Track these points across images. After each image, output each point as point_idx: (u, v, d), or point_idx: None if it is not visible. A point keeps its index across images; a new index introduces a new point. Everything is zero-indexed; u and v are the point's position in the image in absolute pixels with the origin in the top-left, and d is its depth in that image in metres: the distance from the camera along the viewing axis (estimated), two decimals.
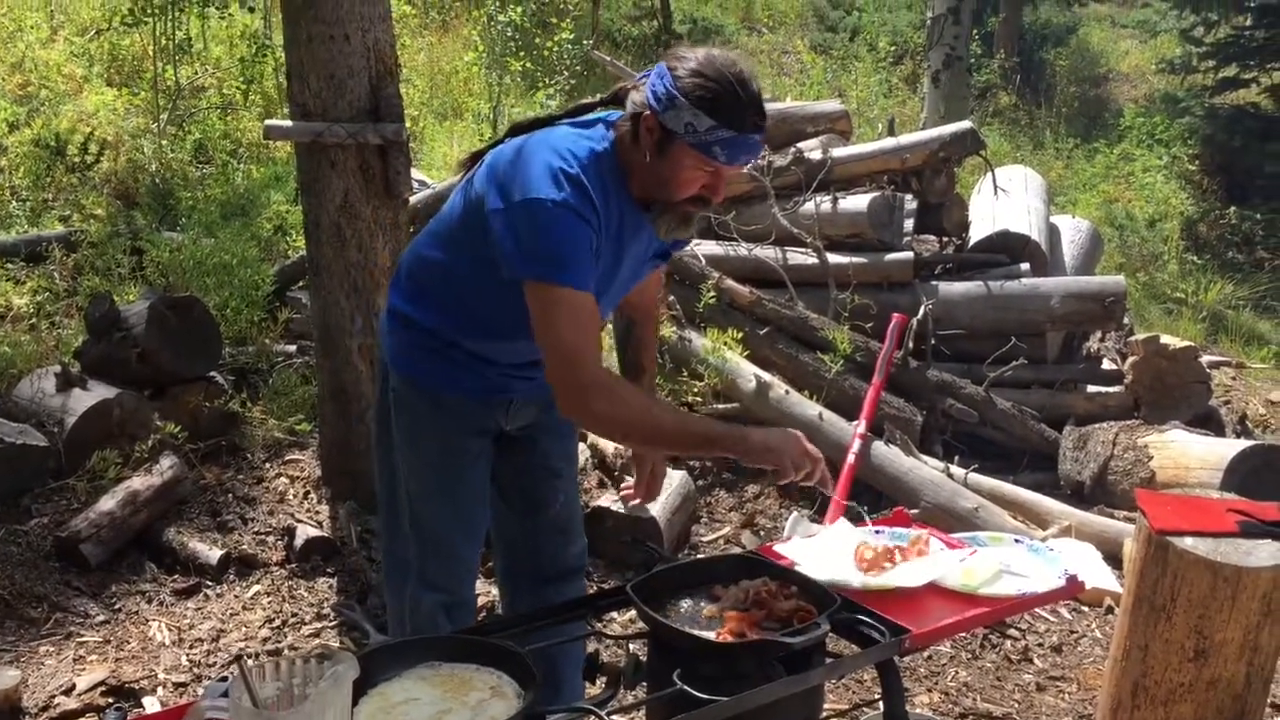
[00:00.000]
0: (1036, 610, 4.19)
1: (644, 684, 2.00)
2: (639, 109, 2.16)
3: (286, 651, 3.55)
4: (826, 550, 2.37)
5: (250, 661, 1.38)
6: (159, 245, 5.96)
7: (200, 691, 3.09)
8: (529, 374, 2.41)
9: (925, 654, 3.85)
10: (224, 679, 1.70)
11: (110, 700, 3.26)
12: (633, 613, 3.48)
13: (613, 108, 2.32)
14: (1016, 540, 2.51)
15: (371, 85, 4.10)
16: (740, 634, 1.92)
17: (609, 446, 4.64)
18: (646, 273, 2.52)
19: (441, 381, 2.45)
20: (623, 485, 4.22)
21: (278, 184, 7.23)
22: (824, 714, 2.24)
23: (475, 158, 2.38)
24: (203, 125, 7.99)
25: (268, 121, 4.51)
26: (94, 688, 3.33)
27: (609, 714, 1.80)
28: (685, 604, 2.07)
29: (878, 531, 2.49)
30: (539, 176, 2.12)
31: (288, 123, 4.22)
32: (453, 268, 2.34)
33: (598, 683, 2.10)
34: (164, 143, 7.46)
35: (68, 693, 3.30)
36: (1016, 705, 3.60)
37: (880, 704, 2.11)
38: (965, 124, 6.32)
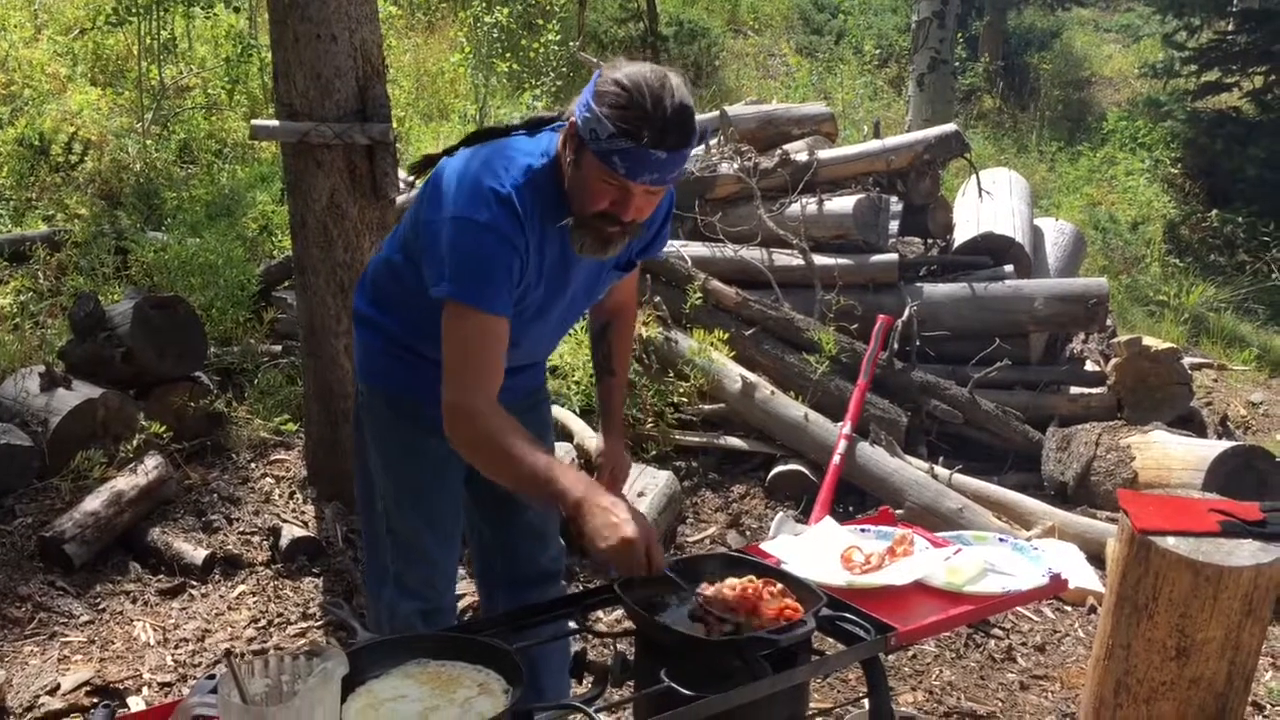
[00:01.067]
0: (1020, 610, 4.21)
1: (631, 682, 2.01)
2: (568, 116, 2.14)
3: (274, 649, 3.55)
4: (813, 549, 2.38)
5: (239, 658, 1.39)
6: (144, 245, 5.95)
7: (187, 689, 3.08)
8: None
9: (910, 653, 3.87)
10: (211, 676, 1.70)
11: (95, 700, 3.25)
12: (619, 613, 3.50)
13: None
14: (1001, 539, 2.53)
15: (358, 85, 4.10)
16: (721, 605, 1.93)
17: (592, 446, 4.64)
18: (608, 283, 2.49)
19: (404, 384, 2.45)
20: None
21: (263, 184, 7.21)
22: (810, 712, 2.25)
23: (428, 162, 2.37)
24: (187, 125, 7.96)
25: (254, 121, 4.50)
26: (79, 687, 3.32)
27: (596, 711, 1.80)
28: (672, 602, 2.07)
29: (863, 530, 2.51)
30: (469, 195, 2.11)
31: (274, 122, 4.21)
32: (408, 274, 2.33)
33: (585, 681, 2.11)
34: (148, 142, 7.44)
35: (52, 692, 3.29)
36: (1000, 704, 3.62)
37: (866, 702, 2.13)
38: (950, 126, 6.36)
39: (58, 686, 3.32)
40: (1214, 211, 10.87)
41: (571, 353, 5.18)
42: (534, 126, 2.30)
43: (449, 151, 2.30)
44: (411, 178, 2.47)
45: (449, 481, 2.56)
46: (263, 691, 1.46)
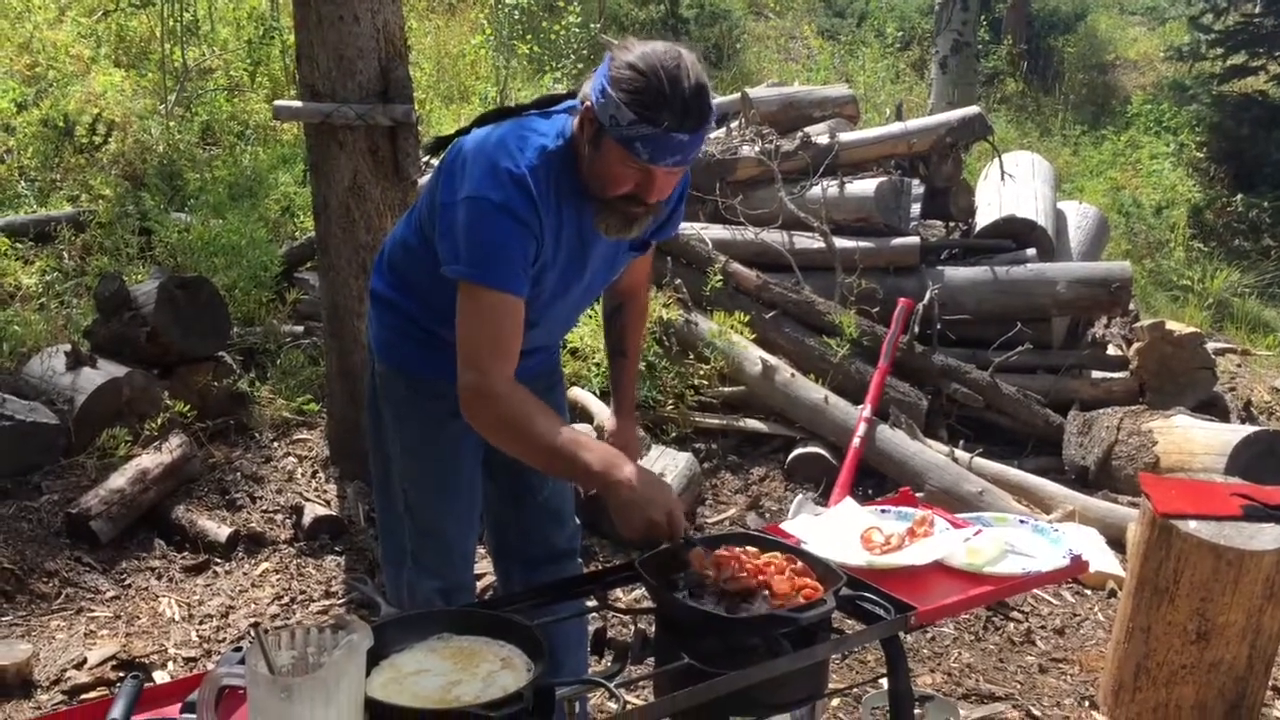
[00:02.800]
0: (1039, 594, 4.21)
1: (650, 659, 2.02)
2: (584, 99, 2.12)
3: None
4: (833, 529, 2.38)
5: (266, 630, 1.40)
6: (167, 226, 5.98)
7: (212, 664, 3.12)
8: None
9: (928, 635, 3.87)
10: (238, 649, 1.72)
11: (121, 675, 3.29)
12: (638, 592, 3.52)
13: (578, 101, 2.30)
14: (1021, 521, 2.52)
15: (381, 66, 4.11)
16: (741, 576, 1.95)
17: (605, 431, 4.65)
18: (624, 263, 2.49)
19: (421, 365, 2.45)
20: None
21: (285, 165, 7.24)
22: (828, 692, 2.26)
23: (442, 143, 2.37)
24: (210, 107, 7.99)
25: (277, 102, 4.51)
26: (105, 662, 3.36)
27: (617, 687, 1.82)
28: (691, 580, 2.08)
29: (883, 511, 2.51)
30: (484, 175, 2.11)
31: (297, 103, 4.23)
32: (424, 253, 2.33)
33: (605, 657, 2.13)
34: (171, 124, 7.47)
35: (79, 666, 3.33)
36: (1019, 686, 3.62)
37: (884, 682, 2.13)
38: (973, 109, 6.32)
39: (84, 660, 3.36)
40: (1239, 196, 10.78)
41: (592, 335, 5.19)
42: (547, 105, 2.30)
43: (462, 132, 2.30)
44: (426, 158, 2.46)
45: (468, 461, 2.56)
46: (289, 663, 1.47)
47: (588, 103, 2.09)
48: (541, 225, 2.15)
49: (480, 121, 2.30)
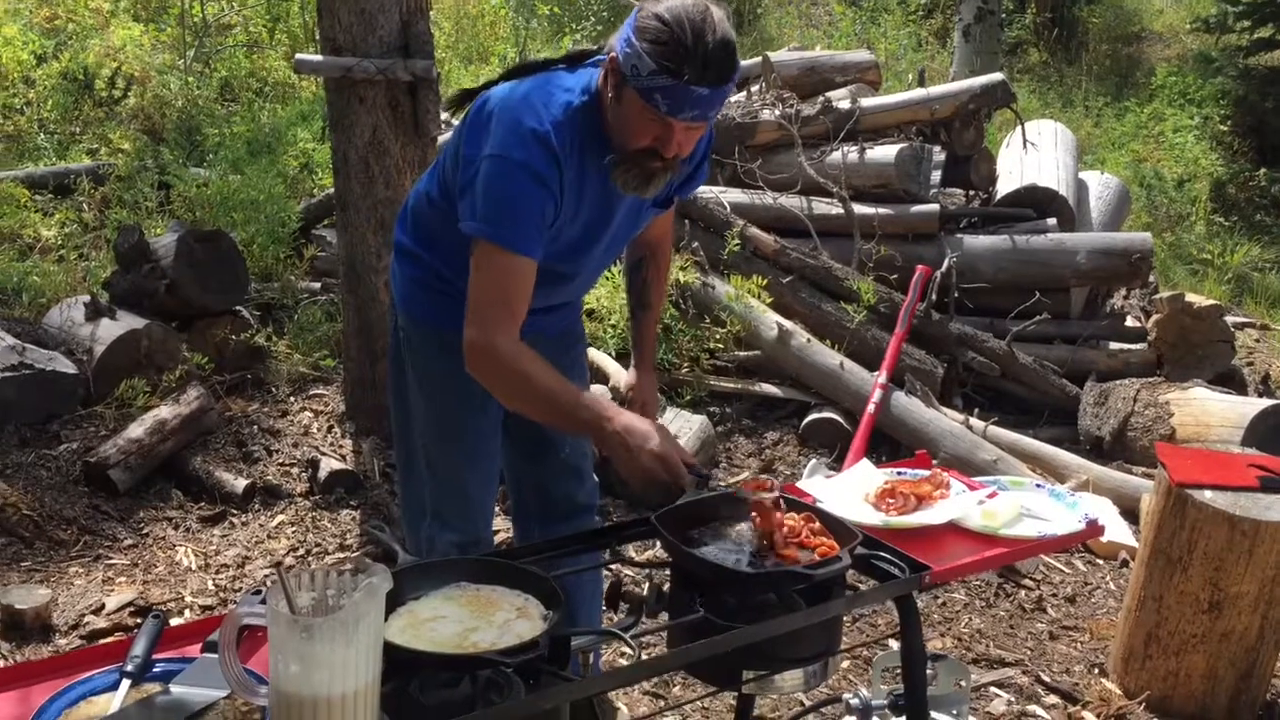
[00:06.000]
0: (1051, 562, 4.22)
1: (665, 612, 2.03)
2: (609, 51, 2.12)
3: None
4: (849, 489, 2.39)
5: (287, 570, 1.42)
6: (186, 180, 6.00)
7: (235, 602, 3.15)
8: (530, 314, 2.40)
9: (940, 600, 3.88)
10: (257, 591, 1.74)
11: (138, 621, 3.32)
12: (651, 550, 3.53)
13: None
14: (1038, 485, 2.52)
15: (402, 21, 4.10)
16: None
17: (623, 384, 4.66)
18: (647, 220, 2.48)
19: (445, 318, 2.44)
20: None
21: (304, 122, 7.24)
22: (841, 650, 2.27)
23: (466, 96, 2.36)
24: (229, 63, 7.99)
25: (298, 56, 4.51)
26: (122, 608, 3.40)
27: (632, 639, 1.83)
28: (707, 535, 2.09)
29: (899, 474, 2.51)
30: (509, 132, 2.10)
31: (318, 57, 4.22)
32: (447, 207, 2.32)
33: (620, 611, 2.14)
34: (190, 79, 7.47)
35: (97, 612, 3.37)
36: (1029, 653, 3.63)
37: (894, 644, 2.14)
38: (996, 76, 6.27)
39: (102, 606, 3.40)
40: (1262, 170, 10.66)
41: (609, 296, 5.19)
42: (574, 61, 2.28)
43: (488, 85, 2.29)
44: (449, 113, 2.46)
45: (489, 416, 2.57)
46: (309, 605, 1.48)
47: (612, 53, 2.08)
48: (562, 183, 2.14)
49: (507, 76, 2.29)
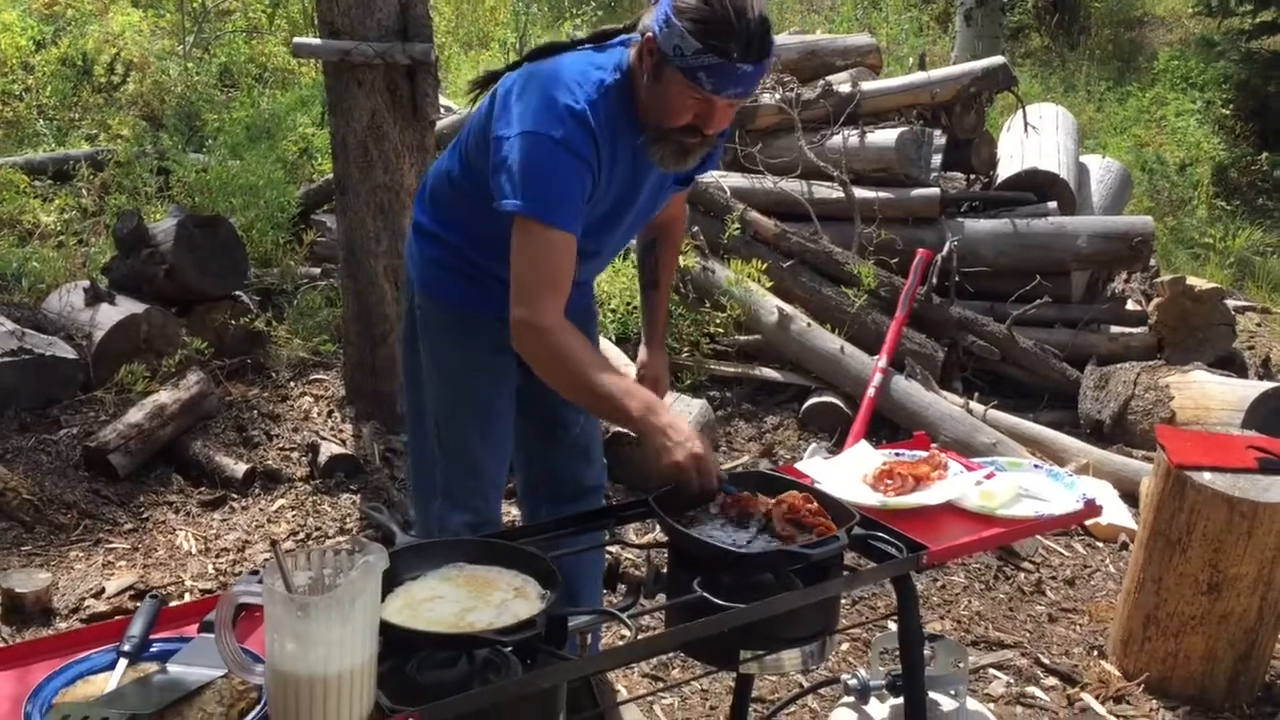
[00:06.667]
0: (1050, 545, 4.22)
1: (663, 594, 2.04)
2: (644, 31, 2.12)
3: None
4: (847, 470, 2.39)
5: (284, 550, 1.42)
6: (185, 166, 5.99)
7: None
8: None
9: (939, 583, 3.89)
10: (255, 572, 1.74)
11: (139, 605, 3.33)
12: (652, 534, 3.54)
13: (635, 33, 2.30)
14: (1036, 466, 2.52)
15: (400, 4, 4.09)
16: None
17: (635, 362, 4.66)
18: (666, 199, 2.51)
19: (464, 299, 2.46)
20: None
21: (303, 108, 7.23)
22: (838, 634, 2.27)
23: (492, 78, 2.36)
24: (228, 49, 7.97)
25: (297, 39, 4.49)
26: (123, 591, 3.41)
27: (630, 618, 1.83)
28: (704, 516, 2.09)
29: (898, 455, 2.51)
30: (544, 110, 2.10)
31: (316, 40, 4.21)
32: (470, 187, 2.33)
33: (618, 591, 2.14)
34: (189, 65, 7.45)
35: (97, 595, 3.38)
36: (1028, 635, 3.64)
37: (893, 625, 2.14)
38: (997, 59, 6.25)
39: (102, 590, 3.41)
40: (1264, 154, 10.63)
41: (609, 280, 5.19)
42: (600, 40, 2.30)
43: (512, 67, 2.29)
44: (472, 94, 2.46)
45: (504, 396, 2.58)
46: (306, 584, 1.49)
47: (649, 34, 2.09)
48: (599, 161, 2.16)
49: (534, 56, 2.29)
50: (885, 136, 5.74)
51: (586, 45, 2.29)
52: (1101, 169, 6.69)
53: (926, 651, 2.28)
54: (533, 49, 2.34)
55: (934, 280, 5.26)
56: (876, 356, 4.94)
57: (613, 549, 2.96)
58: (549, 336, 2.11)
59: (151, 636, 1.67)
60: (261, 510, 3.95)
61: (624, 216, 2.36)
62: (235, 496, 4.01)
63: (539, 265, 2.12)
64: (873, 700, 2.47)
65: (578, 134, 2.10)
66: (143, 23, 7.62)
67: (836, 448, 4.74)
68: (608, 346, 4.93)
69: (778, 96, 5.99)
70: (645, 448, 2.12)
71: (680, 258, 5.22)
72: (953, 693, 2.42)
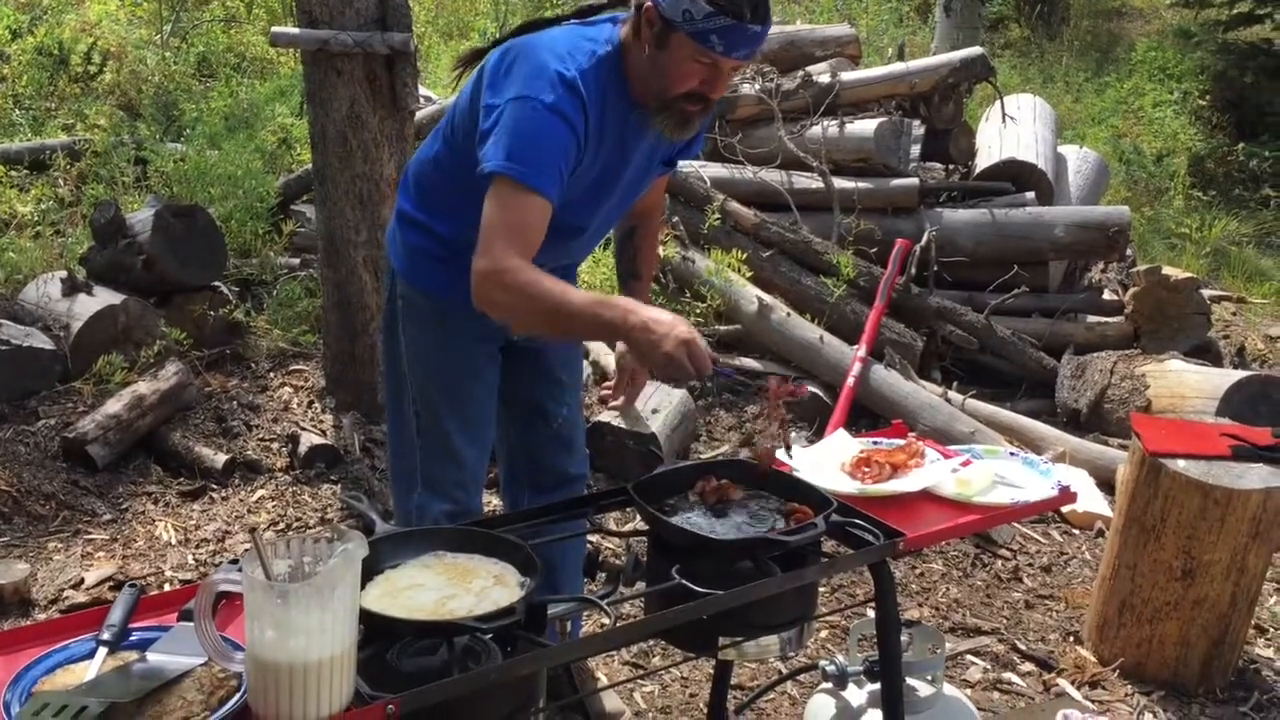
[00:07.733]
0: (1027, 532, 4.26)
1: (643, 581, 2.05)
2: (641, 3, 2.13)
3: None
4: (825, 458, 2.40)
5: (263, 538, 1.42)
6: (163, 156, 5.95)
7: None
8: None
9: (917, 571, 3.92)
10: (234, 561, 1.74)
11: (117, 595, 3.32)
12: (633, 523, 3.55)
13: (620, 9, 2.31)
14: (1011, 453, 2.55)
15: None
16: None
17: (610, 361, 4.67)
18: (653, 178, 2.52)
19: (444, 287, 2.44)
20: (602, 386, 4.28)
21: (282, 98, 7.19)
22: (817, 621, 2.29)
23: (476, 55, 2.37)
24: (206, 38, 7.92)
25: (275, 29, 4.47)
26: (102, 582, 3.40)
27: (609, 605, 1.84)
28: (684, 504, 2.10)
29: (875, 443, 2.53)
30: (535, 76, 2.11)
31: (295, 30, 4.18)
32: (456, 169, 2.32)
33: (598, 579, 2.15)
34: (167, 54, 7.40)
35: (76, 586, 3.37)
36: (1005, 621, 3.67)
37: (871, 612, 2.16)
38: (975, 50, 6.27)
39: (81, 581, 3.40)
40: (1240, 145, 10.71)
41: (589, 271, 5.19)
42: (585, 15, 2.32)
43: (498, 42, 2.29)
44: (457, 71, 2.46)
45: (486, 386, 2.58)
46: (285, 571, 1.49)
47: (648, 4, 2.10)
48: (587, 129, 2.16)
49: (519, 31, 2.30)
50: (864, 127, 5.76)
51: (571, 20, 2.30)
52: (1079, 159, 6.73)
53: (904, 638, 2.30)
54: (519, 25, 2.35)
55: (913, 270, 5.29)
56: (855, 346, 4.96)
57: (593, 537, 2.98)
58: (511, 275, 2.05)
59: (131, 625, 1.67)
60: (241, 501, 3.94)
61: (611, 190, 2.37)
62: (215, 487, 4.00)
63: (507, 221, 2.08)
64: (850, 686, 2.50)
65: (568, 100, 2.10)
66: (120, 11, 7.57)
67: (816, 437, 4.76)
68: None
69: (757, 87, 6.00)
70: (634, 351, 2.12)
71: (661, 248, 5.24)
72: (929, 678, 2.45)
